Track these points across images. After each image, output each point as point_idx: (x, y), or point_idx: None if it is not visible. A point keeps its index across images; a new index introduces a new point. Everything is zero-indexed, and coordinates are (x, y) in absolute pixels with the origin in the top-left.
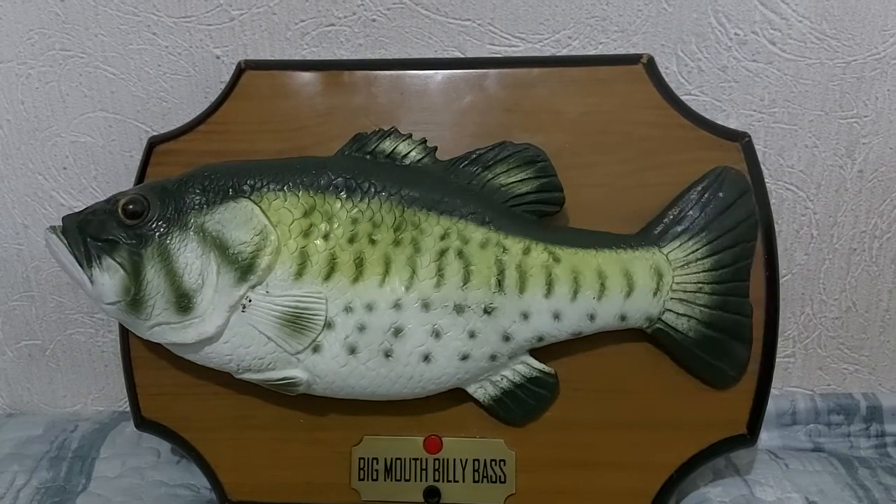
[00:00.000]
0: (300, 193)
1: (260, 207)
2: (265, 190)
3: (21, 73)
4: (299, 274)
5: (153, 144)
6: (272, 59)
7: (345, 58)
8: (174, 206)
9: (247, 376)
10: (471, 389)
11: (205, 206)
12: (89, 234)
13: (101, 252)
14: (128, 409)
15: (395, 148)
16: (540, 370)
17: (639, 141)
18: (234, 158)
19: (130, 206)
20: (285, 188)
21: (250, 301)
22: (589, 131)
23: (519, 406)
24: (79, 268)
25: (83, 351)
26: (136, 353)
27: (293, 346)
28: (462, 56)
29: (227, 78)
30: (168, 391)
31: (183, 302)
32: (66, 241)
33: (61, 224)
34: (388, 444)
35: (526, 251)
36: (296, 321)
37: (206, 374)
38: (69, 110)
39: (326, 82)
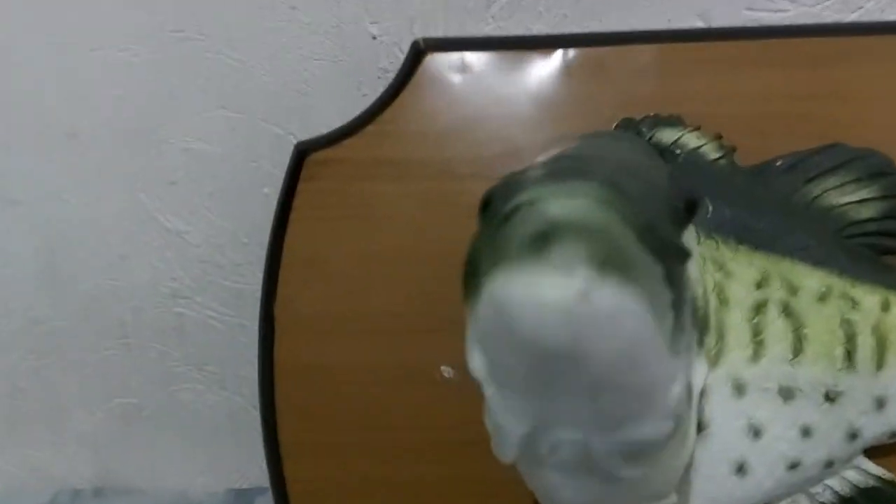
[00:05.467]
0: None
1: None
2: None
3: (120, 60)
4: None
5: (303, 152)
6: (458, 36)
7: (543, 33)
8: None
9: None
10: None
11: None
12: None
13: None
14: (244, 486)
15: (678, 139)
16: (879, 477)
17: None
18: (414, 168)
19: (690, 197)
20: None
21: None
22: None
23: None
24: (664, 354)
25: (189, 413)
26: (285, 436)
27: None
28: (704, 27)
29: (385, 63)
30: (324, 488)
31: None
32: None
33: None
34: None
35: (885, 307)
36: None
37: (371, 468)
38: (181, 108)
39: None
